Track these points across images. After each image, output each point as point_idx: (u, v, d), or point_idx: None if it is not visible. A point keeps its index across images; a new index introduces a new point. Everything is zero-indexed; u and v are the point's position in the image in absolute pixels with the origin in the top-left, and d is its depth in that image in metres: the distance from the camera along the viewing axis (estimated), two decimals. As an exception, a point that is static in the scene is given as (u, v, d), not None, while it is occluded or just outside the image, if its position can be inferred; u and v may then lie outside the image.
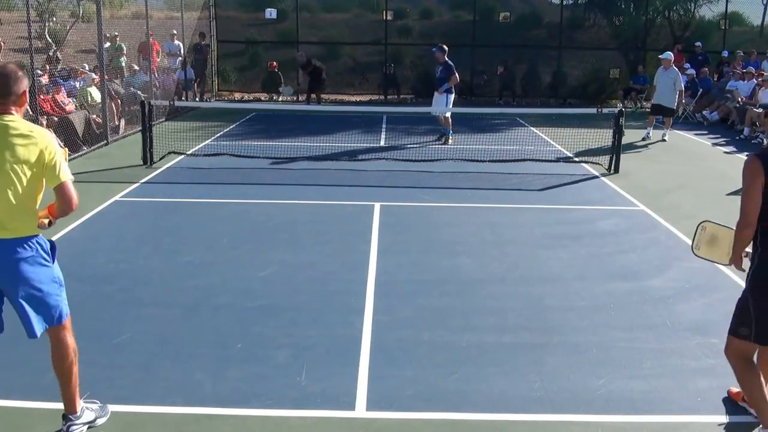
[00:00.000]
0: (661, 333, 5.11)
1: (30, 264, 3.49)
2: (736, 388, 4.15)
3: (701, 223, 4.04)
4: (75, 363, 3.74)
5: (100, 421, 3.84)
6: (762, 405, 3.73)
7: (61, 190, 3.46)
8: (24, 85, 3.49)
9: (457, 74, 12.68)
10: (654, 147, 13.09)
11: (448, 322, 5.23)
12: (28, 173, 3.41)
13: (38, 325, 3.61)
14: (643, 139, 13.55)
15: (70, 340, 3.73)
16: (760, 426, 3.79)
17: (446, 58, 12.67)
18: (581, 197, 9.15)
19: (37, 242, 3.53)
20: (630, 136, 12.78)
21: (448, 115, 13.00)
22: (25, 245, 3.48)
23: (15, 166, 3.38)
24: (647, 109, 18.90)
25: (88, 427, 3.79)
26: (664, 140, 13.54)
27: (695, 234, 4.01)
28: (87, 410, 3.82)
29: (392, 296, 5.67)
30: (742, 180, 3.68)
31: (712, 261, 4.05)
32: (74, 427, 3.73)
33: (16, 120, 3.45)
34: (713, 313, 5.48)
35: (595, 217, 8.21)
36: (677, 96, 13.62)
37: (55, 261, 3.65)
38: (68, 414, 3.76)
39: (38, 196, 3.52)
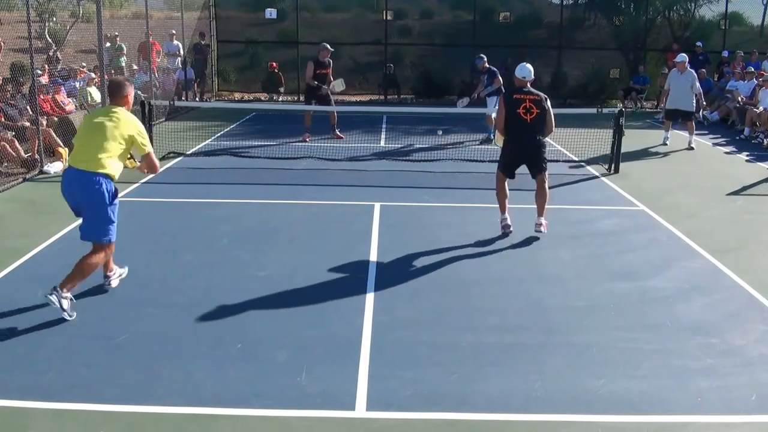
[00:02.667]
0: (661, 333, 5.11)
1: (100, 193, 5.20)
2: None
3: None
4: (86, 275, 5.31)
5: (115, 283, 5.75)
6: (502, 202, 7.32)
7: (146, 157, 5.60)
8: (122, 92, 5.56)
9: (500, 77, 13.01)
10: (654, 147, 13.08)
11: (448, 322, 5.23)
12: (119, 140, 5.30)
13: (88, 236, 5.34)
14: (664, 144, 13.13)
15: (99, 259, 5.35)
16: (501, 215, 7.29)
17: (487, 65, 12.87)
18: (581, 197, 9.15)
19: (112, 185, 5.29)
20: (641, 141, 12.73)
21: (494, 115, 13.10)
22: (101, 180, 5.20)
23: (113, 133, 5.29)
24: (647, 109, 18.99)
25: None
26: (692, 148, 12.86)
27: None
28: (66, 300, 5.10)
29: (392, 296, 5.67)
30: (497, 107, 7.22)
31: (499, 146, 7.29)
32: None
33: (121, 110, 5.45)
34: (713, 313, 5.49)
35: (595, 217, 8.21)
36: (694, 99, 13.02)
37: (115, 204, 5.34)
38: (56, 287, 5.09)
39: (122, 155, 5.36)
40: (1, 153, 9.78)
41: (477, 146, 12.54)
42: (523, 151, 7.16)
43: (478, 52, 20.12)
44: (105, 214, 5.25)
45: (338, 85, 13.00)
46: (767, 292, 5.88)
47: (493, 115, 12.94)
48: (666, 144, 13.18)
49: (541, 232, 7.20)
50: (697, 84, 13.12)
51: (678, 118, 13.17)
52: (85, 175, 5.19)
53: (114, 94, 5.56)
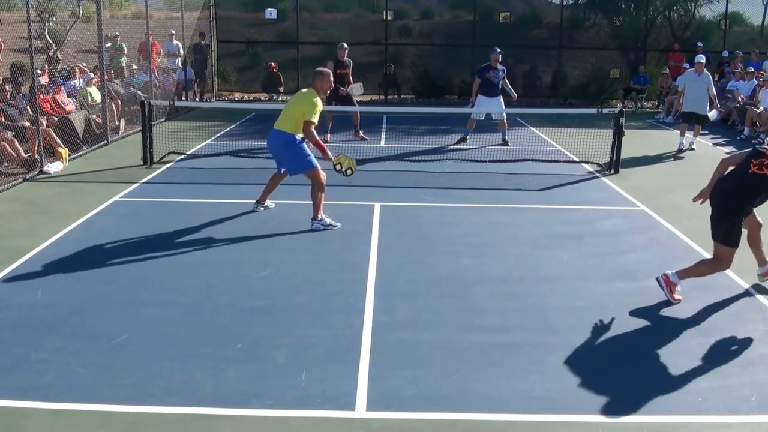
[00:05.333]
0: (661, 333, 5.10)
1: (288, 143, 7.43)
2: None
3: None
4: (322, 200, 7.45)
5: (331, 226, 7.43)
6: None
7: (305, 124, 7.29)
8: (320, 79, 7.52)
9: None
10: (655, 148, 13.07)
11: (448, 322, 5.23)
12: (296, 110, 7.38)
13: (295, 171, 7.58)
14: (680, 151, 12.66)
15: (320, 186, 7.41)
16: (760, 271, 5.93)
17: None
18: (581, 197, 9.15)
19: (294, 138, 7.39)
20: (641, 141, 12.67)
21: (504, 116, 12.99)
22: (289, 137, 7.39)
23: (295, 105, 7.45)
24: (647, 109, 18.99)
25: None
26: (693, 149, 12.72)
27: None
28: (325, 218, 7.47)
29: (392, 296, 5.67)
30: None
31: None
32: (315, 225, 7.44)
33: (312, 91, 7.48)
34: (713, 313, 5.48)
35: (595, 217, 8.21)
36: (709, 102, 12.62)
37: (301, 145, 7.47)
38: (313, 218, 7.45)
39: (299, 121, 7.32)
40: (1, 153, 9.78)
41: (476, 146, 12.51)
42: None
43: (478, 52, 20.30)
44: (298, 153, 7.43)
45: (356, 89, 12.80)
46: (767, 292, 5.87)
47: (504, 116, 12.94)
48: (683, 150, 12.64)
49: None
50: (713, 88, 12.74)
51: (691, 120, 12.78)
52: (277, 133, 7.47)
53: (314, 79, 7.59)
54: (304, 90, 7.68)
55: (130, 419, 3.90)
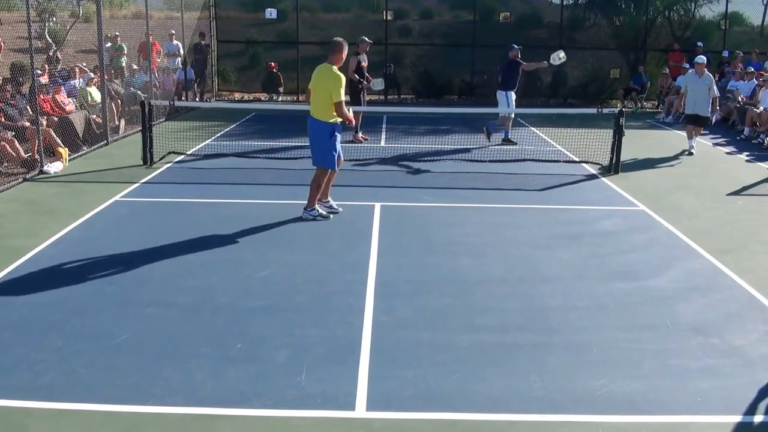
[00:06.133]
0: (661, 333, 5.11)
1: (320, 133, 7.42)
2: None
3: None
4: (320, 187, 7.61)
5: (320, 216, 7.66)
6: None
7: (336, 105, 7.28)
8: (338, 50, 7.45)
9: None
10: (655, 148, 13.08)
11: (448, 322, 5.23)
12: (324, 92, 7.28)
13: (315, 162, 7.56)
14: (690, 154, 12.38)
15: (323, 178, 7.55)
16: None
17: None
18: (581, 197, 9.15)
19: (328, 127, 7.40)
20: (641, 141, 12.66)
21: (513, 114, 12.87)
22: (324, 126, 7.39)
23: (321, 87, 7.32)
24: (647, 109, 18.99)
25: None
26: (692, 153, 12.41)
27: None
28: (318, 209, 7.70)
29: (392, 296, 5.67)
30: None
31: None
32: (305, 214, 7.68)
33: (328, 66, 7.38)
34: (713, 313, 5.49)
35: (595, 217, 8.21)
36: (711, 104, 12.42)
37: (333, 137, 7.44)
38: (305, 208, 7.67)
39: (331, 104, 7.28)
40: (1, 153, 9.78)
41: (476, 146, 12.48)
42: None
43: (478, 52, 20.32)
44: (326, 147, 7.43)
45: (377, 83, 12.74)
46: (767, 292, 5.88)
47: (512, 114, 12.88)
48: (692, 153, 12.39)
49: None
50: (715, 88, 12.55)
51: (695, 124, 12.58)
52: (312, 121, 7.46)
53: (331, 51, 7.48)
54: (321, 67, 7.48)
55: (131, 419, 3.91)
